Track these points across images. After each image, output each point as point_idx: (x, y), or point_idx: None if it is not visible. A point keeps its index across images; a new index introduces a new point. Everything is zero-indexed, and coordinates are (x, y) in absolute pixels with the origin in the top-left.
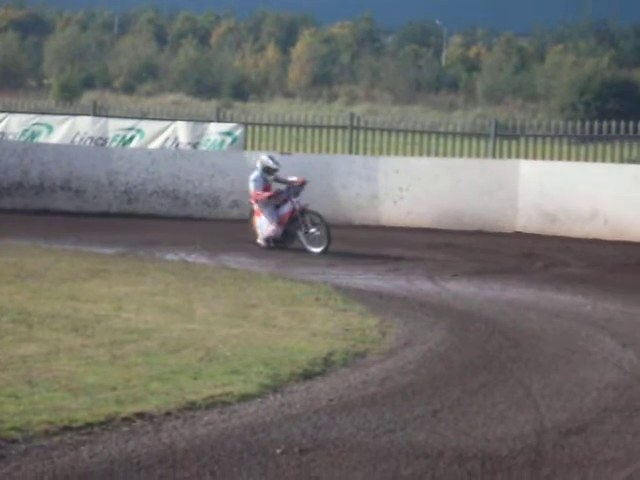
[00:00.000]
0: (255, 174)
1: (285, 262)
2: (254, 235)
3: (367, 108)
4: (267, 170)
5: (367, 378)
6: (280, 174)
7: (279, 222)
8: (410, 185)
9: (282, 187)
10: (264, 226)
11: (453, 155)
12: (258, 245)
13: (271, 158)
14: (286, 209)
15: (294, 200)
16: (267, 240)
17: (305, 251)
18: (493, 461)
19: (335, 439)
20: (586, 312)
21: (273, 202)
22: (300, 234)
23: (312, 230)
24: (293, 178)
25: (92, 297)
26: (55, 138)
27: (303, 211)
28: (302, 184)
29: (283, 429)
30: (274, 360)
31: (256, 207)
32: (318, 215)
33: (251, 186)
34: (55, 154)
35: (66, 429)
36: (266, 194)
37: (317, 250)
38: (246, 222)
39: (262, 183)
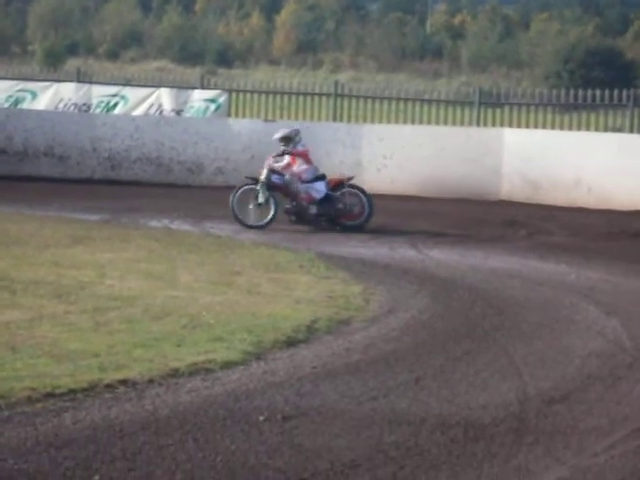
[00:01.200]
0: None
1: (268, 230)
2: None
3: (352, 76)
4: (285, 140)
5: (350, 345)
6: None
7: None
8: (394, 153)
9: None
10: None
11: (437, 123)
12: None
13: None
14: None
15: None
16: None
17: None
18: (476, 429)
19: (318, 406)
20: (570, 280)
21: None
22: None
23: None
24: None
25: (75, 264)
26: (39, 104)
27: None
28: None
29: (266, 396)
30: (257, 327)
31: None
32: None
33: (299, 163)
34: (39, 120)
35: (49, 395)
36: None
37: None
38: (230, 189)
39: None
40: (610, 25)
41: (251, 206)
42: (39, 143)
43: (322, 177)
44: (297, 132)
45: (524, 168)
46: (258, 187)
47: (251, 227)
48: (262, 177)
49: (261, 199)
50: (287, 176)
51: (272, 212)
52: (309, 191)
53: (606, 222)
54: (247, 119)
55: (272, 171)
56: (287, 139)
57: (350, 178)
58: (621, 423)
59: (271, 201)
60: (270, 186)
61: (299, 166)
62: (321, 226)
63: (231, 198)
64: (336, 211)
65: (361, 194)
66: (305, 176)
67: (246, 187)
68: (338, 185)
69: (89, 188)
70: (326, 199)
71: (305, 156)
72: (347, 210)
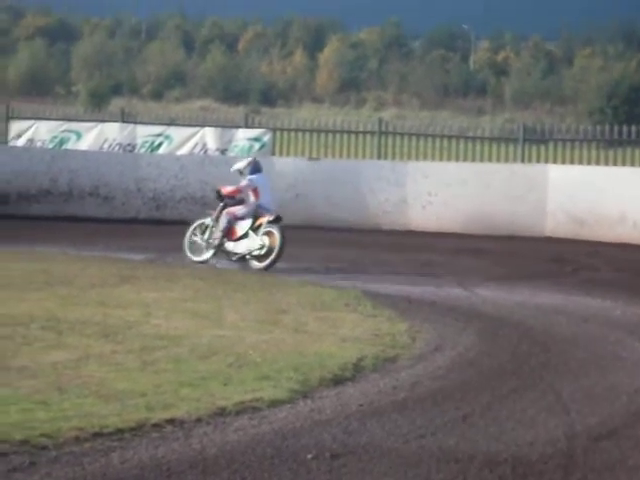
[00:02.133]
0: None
1: (313, 268)
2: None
3: (395, 113)
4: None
5: (397, 383)
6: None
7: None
8: (439, 190)
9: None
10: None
11: (482, 160)
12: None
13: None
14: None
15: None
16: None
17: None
18: (524, 466)
19: (366, 444)
20: (615, 316)
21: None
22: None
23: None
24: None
25: (121, 303)
26: (84, 145)
27: None
28: None
29: (314, 434)
30: (304, 365)
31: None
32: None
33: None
34: (84, 161)
35: (96, 435)
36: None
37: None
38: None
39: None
40: None
41: (198, 240)
42: (84, 183)
43: (253, 214)
44: (249, 163)
45: (569, 204)
46: (208, 221)
47: (193, 261)
48: (215, 213)
49: (207, 234)
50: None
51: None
52: (235, 227)
53: None
54: (291, 157)
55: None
56: (240, 172)
57: (276, 218)
58: None
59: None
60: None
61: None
62: (233, 262)
63: (187, 232)
64: (246, 250)
65: (277, 236)
66: (239, 213)
67: (199, 222)
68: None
69: (134, 228)
70: (243, 237)
71: (252, 191)
72: (256, 251)
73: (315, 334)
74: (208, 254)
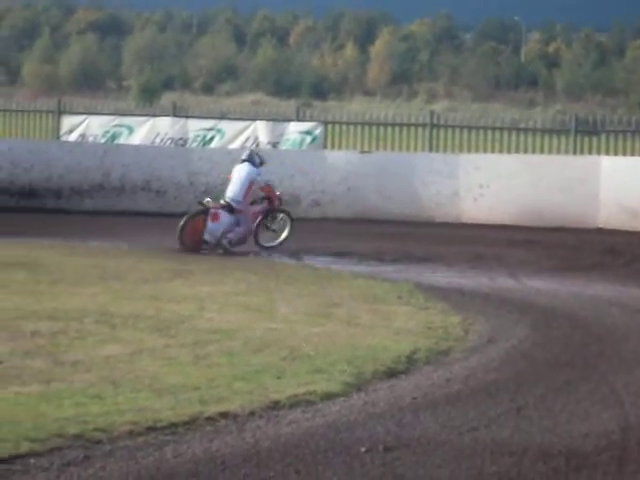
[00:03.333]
0: (255, 168)
1: (365, 260)
2: (192, 242)
3: (446, 105)
4: (262, 163)
5: (450, 376)
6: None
7: (252, 219)
8: (491, 182)
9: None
10: (240, 229)
11: (534, 152)
12: (206, 249)
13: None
14: (258, 207)
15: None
16: (239, 242)
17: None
18: (578, 458)
19: (419, 437)
20: None
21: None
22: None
23: (274, 226)
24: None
25: (174, 297)
26: (135, 139)
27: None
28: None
29: (367, 427)
30: (357, 358)
31: (214, 210)
32: (286, 212)
33: (259, 180)
34: (136, 155)
35: (150, 429)
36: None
37: (268, 244)
38: (327, 221)
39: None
40: None
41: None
42: (136, 178)
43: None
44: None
45: (622, 195)
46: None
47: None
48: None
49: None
50: None
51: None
52: None
53: None
54: (343, 151)
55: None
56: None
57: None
58: None
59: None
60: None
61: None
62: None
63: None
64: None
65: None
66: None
67: None
68: None
69: None
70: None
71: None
72: None
73: (368, 327)
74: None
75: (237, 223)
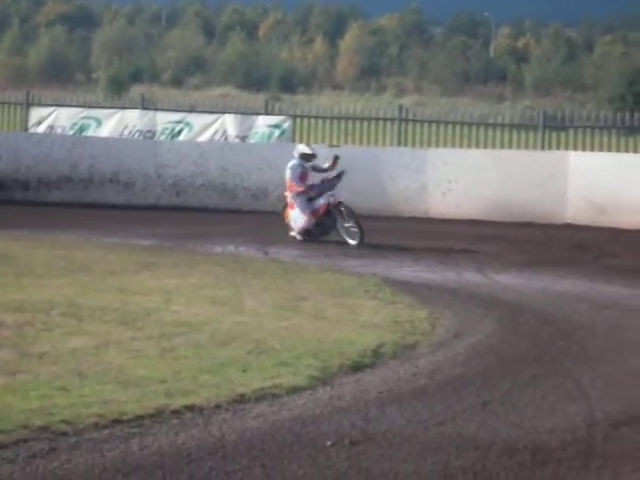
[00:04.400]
0: (292, 162)
1: (332, 254)
2: (288, 228)
3: (415, 100)
4: (304, 157)
5: (417, 370)
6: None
7: (312, 214)
8: (459, 177)
9: (317, 181)
10: (298, 218)
11: (502, 147)
12: (293, 238)
13: (307, 145)
14: (321, 202)
15: (329, 194)
16: (302, 233)
17: (344, 243)
18: (544, 453)
19: (385, 431)
20: (636, 303)
21: (306, 194)
22: (339, 227)
23: (348, 224)
24: (326, 165)
25: (141, 290)
26: (104, 131)
27: (338, 205)
28: (338, 177)
29: (333, 421)
30: (323, 352)
31: (289, 199)
32: (351, 210)
33: (287, 174)
34: (104, 147)
35: (116, 422)
36: (299, 188)
37: (353, 243)
38: None
39: (299, 171)
40: None
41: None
42: (104, 170)
43: None
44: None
45: (589, 191)
46: None
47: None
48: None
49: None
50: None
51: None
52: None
53: None
54: (312, 145)
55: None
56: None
57: None
58: None
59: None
60: None
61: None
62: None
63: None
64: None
65: None
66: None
67: None
68: None
69: (154, 214)
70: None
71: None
72: None
73: (334, 321)
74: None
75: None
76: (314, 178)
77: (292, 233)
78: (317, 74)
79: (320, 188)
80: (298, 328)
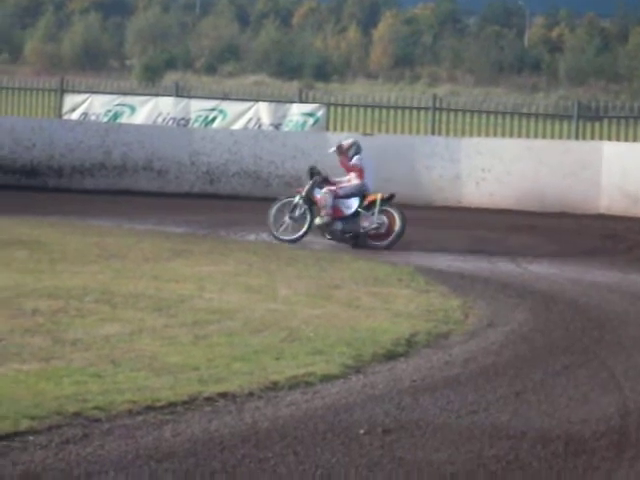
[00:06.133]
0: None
1: (365, 243)
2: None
3: (449, 89)
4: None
5: (450, 359)
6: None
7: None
8: (492, 166)
9: None
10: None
11: (536, 136)
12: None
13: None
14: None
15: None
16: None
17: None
18: (577, 443)
19: (418, 420)
20: None
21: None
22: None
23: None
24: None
25: (175, 277)
26: (138, 119)
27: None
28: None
29: (366, 410)
30: (357, 341)
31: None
32: None
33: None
34: (138, 135)
35: (149, 408)
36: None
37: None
38: None
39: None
40: None
41: (286, 219)
42: (138, 157)
43: (360, 194)
44: (353, 144)
45: (623, 181)
46: (297, 200)
47: (282, 240)
48: (304, 190)
49: (297, 212)
50: (324, 190)
51: (305, 227)
52: (339, 206)
53: None
54: (345, 133)
55: (319, 184)
56: (342, 150)
57: (390, 196)
58: None
59: (307, 215)
60: (309, 199)
61: (342, 181)
62: (346, 242)
63: (270, 210)
64: (361, 229)
65: (396, 215)
66: (341, 192)
67: (286, 200)
68: (372, 203)
69: (187, 202)
70: (354, 216)
71: (358, 171)
72: (372, 229)
73: (368, 309)
74: (300, 233)
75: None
76: None
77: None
78: (351, 63)
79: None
80: (331, 316)
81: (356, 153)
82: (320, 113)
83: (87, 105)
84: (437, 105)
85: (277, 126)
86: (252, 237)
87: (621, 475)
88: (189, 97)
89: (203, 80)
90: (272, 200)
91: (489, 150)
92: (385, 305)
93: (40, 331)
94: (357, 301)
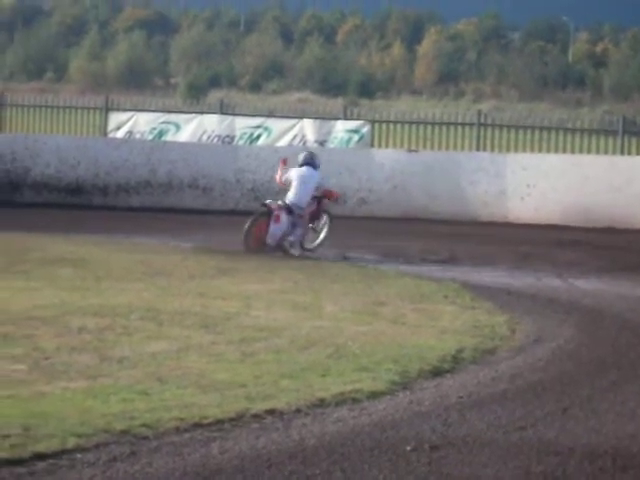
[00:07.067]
0: (317, 172)
1: (412, 260)
2: (255, 242)
3: (494, 105)
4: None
5: (496, 375)
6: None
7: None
8: (538, 181)
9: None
10: (298, 232)
11: (581, 152)
12: (256, 252)
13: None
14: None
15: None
16: (297, 244)
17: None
18: (624, 458)
19: (465, 436)
20: None
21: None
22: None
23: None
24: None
25: (221, 294)
26: (182, 136)
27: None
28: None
29: (413, 426)
30: (403, 357)
31: (277, 212)
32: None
33: (322, 183)
34: (182, 152)
35: (196, 425)
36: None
37: (311, 246)
38: (373, 219)
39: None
40: None
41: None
42: (183, 175)
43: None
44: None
45: None
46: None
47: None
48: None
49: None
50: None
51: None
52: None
53: None
54: (390, 149)
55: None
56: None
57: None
58: None
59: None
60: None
61: None
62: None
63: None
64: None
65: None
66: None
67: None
68: None
69: (233, 219)
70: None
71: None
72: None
73: (414, 326)
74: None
75: (294, 225)
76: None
77: (266, 249)
78: (395, 79)
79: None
80: (378, 333)
81: (299, 165)
82: (365, 130)
83: (132, 123)
84: (482, 121)
85: (322, 143)
86: (297, 254)
87: None
88: (234, 115)
89: (247, 98)
90: None
91: (534, 165)
92: (431, 322)
93: (87, 349)
94: (403, 318)
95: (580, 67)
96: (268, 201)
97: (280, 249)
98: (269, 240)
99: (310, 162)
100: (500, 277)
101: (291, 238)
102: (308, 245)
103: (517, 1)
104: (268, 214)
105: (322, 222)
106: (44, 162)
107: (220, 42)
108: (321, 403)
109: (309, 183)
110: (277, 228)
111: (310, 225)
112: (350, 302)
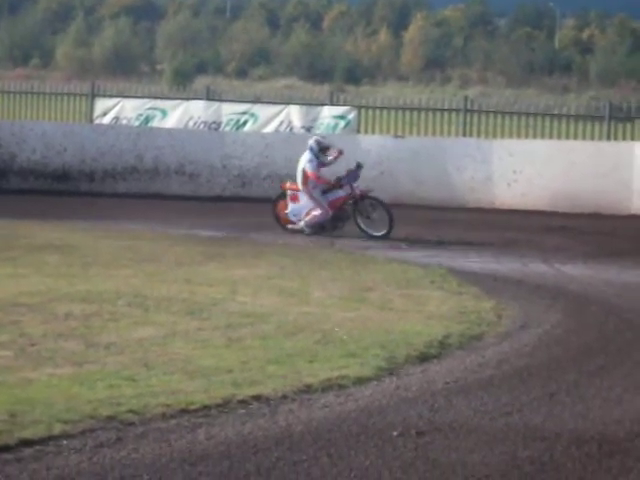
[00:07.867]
0: (308, 155)
1: (398, 245)
2: (282, 221)
3: (480, 91)
4: (322, 149)
5: (483, 361)
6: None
7: (331, 206)
8: (524, 167)
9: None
10: (309, 211)
11: (567, 138)
12: (289, 230)
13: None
14: (341, 194)
15: (354, 186)
16: (313, 226)
17: (366, 234)
18: (611, 443)
19: (452, 421)
20: None
21: (319, 187)
22: (360, 219)
23: (373, 215)
24: (330, 157)
25: (208, 280)
26: (169, 123)
27: (362, 196)
28: (359, 168)
29: (399, 412)
30: (390, 343)
31: (293, 192)
32: (379, 200)
33: (307, 167)
34: (169, 138)
35: (183, 412)
36: (326, 180)
37: (378, 234)
38: None
39: (317, 164)
40: None
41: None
42: (170, 161)
43: None
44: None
45: None
46: None
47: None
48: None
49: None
50: None
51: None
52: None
53: None
54: (377, 135)
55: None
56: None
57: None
58: None
59: None
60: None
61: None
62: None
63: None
64: None
65: None
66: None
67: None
68: None
69: (219, 205)
70: None
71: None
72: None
73: (401, 311)
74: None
75: (314, 207)
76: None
77: (293, 226)
78: (381, 65)
79: (347, 180)
80: (365, 319)
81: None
82: (351, 116)
83: (118, 109)
84: (468, 107)
85: (308, 129)
86: (284, 240)
87: None
88: (220, 101)
89: (234, 84)
90: None
91: (521, 151)
92: (418, 307)
93: (73, 335)
94: (390, 303)
95: (567, 53)
96: (288, 183)
97: (322, 228)
98: (291, 217)
99: (309, 147)
100: (487, 263)
101: (307, 219)
102: (375, 232)
103: None
104: (284, 195)
105: (374, 210)
106: (30, 148)
107: (206, 28)
108: (308, 389)
109: (298, 167)
110: (296, 206)
111: (362, 212)
112: (337, 288)
